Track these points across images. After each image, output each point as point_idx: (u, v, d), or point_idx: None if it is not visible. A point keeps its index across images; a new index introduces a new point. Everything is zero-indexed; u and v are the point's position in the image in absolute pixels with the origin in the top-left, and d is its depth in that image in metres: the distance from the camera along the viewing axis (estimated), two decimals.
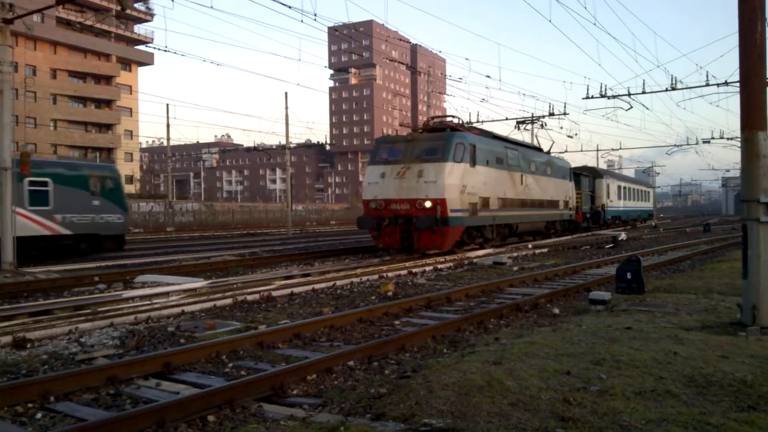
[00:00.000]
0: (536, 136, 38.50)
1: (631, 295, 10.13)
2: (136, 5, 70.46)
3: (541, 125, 35.90)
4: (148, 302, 10.40)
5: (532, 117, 39.91)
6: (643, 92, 30.48)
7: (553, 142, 33.07)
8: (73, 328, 8.03)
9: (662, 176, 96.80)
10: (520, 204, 23.68)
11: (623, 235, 27.76)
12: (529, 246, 23.62)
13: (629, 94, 30.78)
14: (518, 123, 34.30)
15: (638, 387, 4.90)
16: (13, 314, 9.26)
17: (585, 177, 36.93)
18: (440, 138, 19.53)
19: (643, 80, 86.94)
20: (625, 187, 47.47)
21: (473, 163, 19.79)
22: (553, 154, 31.81)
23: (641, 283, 10.44)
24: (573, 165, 43.45)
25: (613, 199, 42.73)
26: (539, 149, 29.27)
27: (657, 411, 4.41)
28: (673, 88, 29.56)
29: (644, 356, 5.76)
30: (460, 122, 22.70)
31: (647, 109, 38.35)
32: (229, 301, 10.32)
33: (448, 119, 22.80)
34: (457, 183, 18.76)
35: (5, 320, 8.82)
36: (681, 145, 55.26)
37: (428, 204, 18.26)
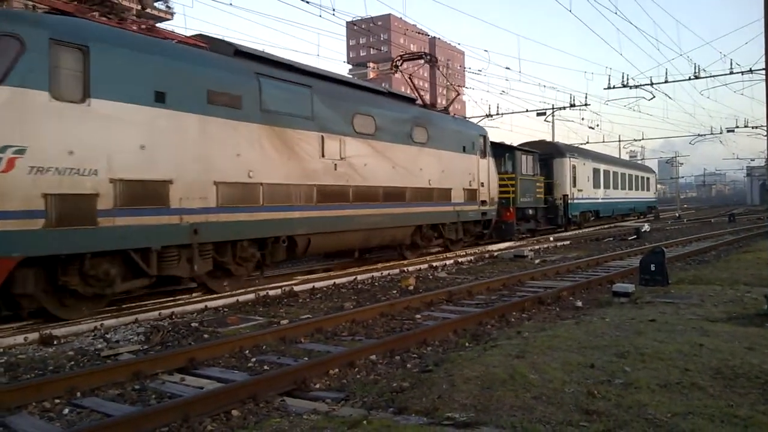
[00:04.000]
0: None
1: (656, 287, 10.01)
2: (156, 4, 70.95)
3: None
4: (172, 298, 10.50)
5: (553, 108, 39.22)
6: (666, 81, 30.16)
7: (460, 94, 22.58)
8: (99, 324, 8.13)
9: (686, 166, 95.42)
10: (316, 196, 12.14)
11: (646, 227, 27.47)
12: (551, 239, 23.46)
13: (651, 84, 30.44)
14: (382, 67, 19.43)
15: (663, 379, 4.85)
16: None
17: (527, 156, 24.21)
18: None
19: (666, 69, 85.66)
20: (606, 171, 35.23)
21: (82, 92, 8.44)
22: (461, 117, 20.53)
23: (665, 274, 10.32)
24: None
25: (585, 187, 30.68)
26: (392, 95, 16.26)
27: (683, 404, 4.35)
28: (696, 77, 29.18)
29: (669, 348, 5.69)
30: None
31: (670, 98, 37.52)
32: (251, 296, 10.37)
33: None
34: None
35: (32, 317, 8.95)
36: (704, 135, 54.54)
37: None
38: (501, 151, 22.76)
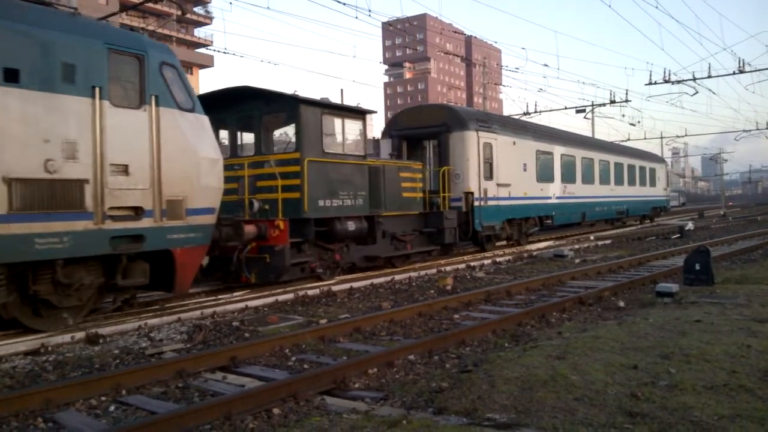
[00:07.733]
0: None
1: (700, 287, 9.79)
2: (196, 9, 72.20)
3: None
4: (213, 297, 10.67)
5: (592, 105, 38.47)
6: (709, 76, 29.42)
7: None
8: (143, 323, 8.31)
9: (731, 163, 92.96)
10: None
11: (690, 225, 26.86)
12: (591, 237, 23.11)
13: (694, 79, 29.73)
14: None
15: (709, 381, 4.74)
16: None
17: (335, 118, 12.68)
18: None
19: (709, 64, 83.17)
20: (567, 156, 23.48)
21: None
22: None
23: (710, 274, 10.08)
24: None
25: (515, 179, 19.19)
26: None
27: (730, 406, 4.25)
28: (741, 71, 28.48)
29: (715, 350, 5.56)
30: None
31: (713, 93, 36.36)
32: (290, 296, 10.47)
33: None
34: None
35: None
36: (750, 131, 53.04)
37: None
38: (275, 108, 12.51)
